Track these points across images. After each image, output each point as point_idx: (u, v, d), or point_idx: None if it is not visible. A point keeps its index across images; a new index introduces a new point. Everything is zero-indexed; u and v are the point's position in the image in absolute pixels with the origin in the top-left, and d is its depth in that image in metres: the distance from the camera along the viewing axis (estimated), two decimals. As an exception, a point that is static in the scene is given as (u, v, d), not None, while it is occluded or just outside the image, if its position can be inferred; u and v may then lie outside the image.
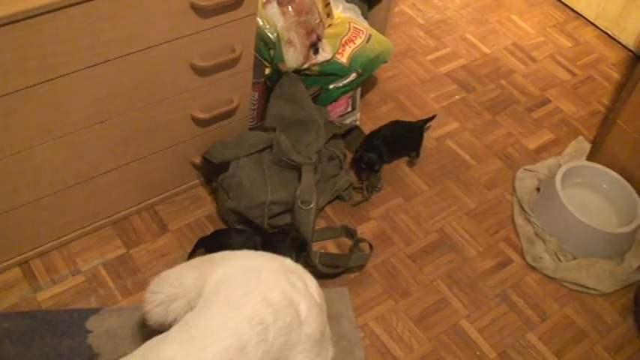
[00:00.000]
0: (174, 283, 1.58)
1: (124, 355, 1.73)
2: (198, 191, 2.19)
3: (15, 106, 1.58)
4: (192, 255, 1.98)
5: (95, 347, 1.78)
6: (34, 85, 1.57)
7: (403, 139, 2.39)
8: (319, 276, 1.97)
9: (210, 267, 1.59)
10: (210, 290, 1.52)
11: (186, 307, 1.57)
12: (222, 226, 2.10)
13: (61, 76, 1.61)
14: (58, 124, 1.70)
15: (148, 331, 1.67)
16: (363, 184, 2.25)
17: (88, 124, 1.76)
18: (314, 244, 2.03)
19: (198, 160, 2.10)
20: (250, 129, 2.18)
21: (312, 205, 1.97)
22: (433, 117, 2.53)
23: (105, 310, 1.86)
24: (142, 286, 1.92)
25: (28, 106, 1.61)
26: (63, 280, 1.92)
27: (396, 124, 2.42)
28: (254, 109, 2.20)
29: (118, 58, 1.67)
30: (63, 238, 1.98)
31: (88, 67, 1.64)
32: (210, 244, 1.98)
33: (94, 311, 1.85)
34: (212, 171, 2.11)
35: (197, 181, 2.18)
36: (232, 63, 1.93)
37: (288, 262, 1.64)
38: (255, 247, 1.93)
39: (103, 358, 1.76)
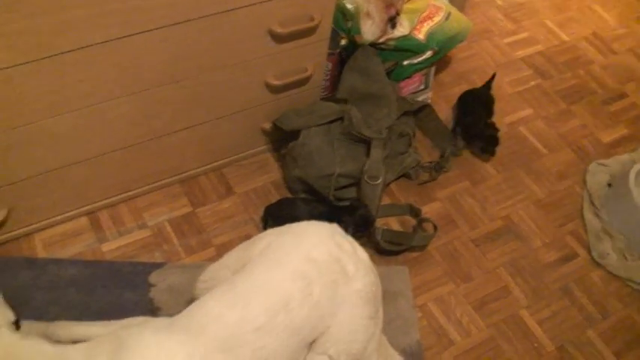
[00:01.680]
0: (222, 273, 1.58)
1: (181, 311, 1.78)
2: (266, 157, 2.19)
3: (93, 59, 1.60)
4: (265, 227, 2.00)
5: (157, 301, 1.82)
6: (111, 40, 1.59)
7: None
8: (380, 252, 1.98)
9: (252, 245, 1.58)
10: (256, 255, 1.52)
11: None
12: (287, 194, 2.10)
13: (139, 33, 1.61)
14: (133, 80, 1.71)
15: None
16: (432, 163, 2.22)
17: (163, 83, 1.77)
18: (377, 219, 2.01)
19: (267, 126, 2.10)
20: (322, 99, 2.16)
21: (379, 181, 1.96)
22: (494, 76, 2.51)
23: (168, 266, 1.89)
24: (206, 245, 1.95)
25: (105, 60, 1.62)
26: (129, 233, 1.95)
27: (469, 92, 2.45)
28: (326, 80, 2.19)
29: (197, 18, 1.67)
30: (131, 192, 2.01)
31: (167, 26, 1.64)
32: (276, 213, 2.00)
33: (158, 266, 1.89)
34: (281, 138, 2.11)
35: (265, 147, 2.19)
36: (310, 32, 1.91)
37: (335, 227, 1.61)
38: (319, 217, 1.93)
39: (164, 313, 1.79)
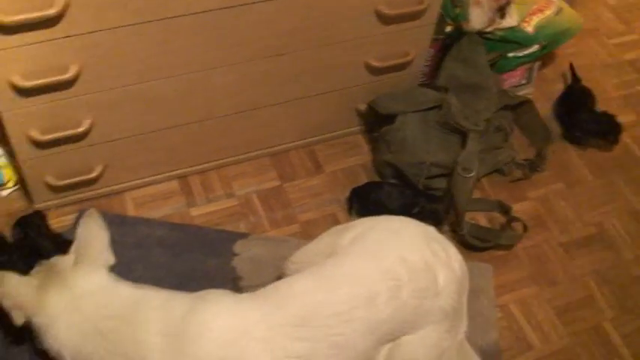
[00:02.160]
0: (314, 259, 1.55)
1: (264, 283, 1.80)
2: (357, 138, 2.18)
3: (203, 26, 1.62)
4: (350, 208, 1.99)
5: (239, 270, 1.84)
6: (223, 8, 1.60)
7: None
8: (465, 247, 1.94)
9: (345, 232, 1.55)
10: (348, 243, 1.50)
11: None
12: (375, 178, 2.08)
13: (252, 3, 1.62)
14: (239, 50, 1.73)
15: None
16: (527, 161, 2.16)
17: (267, 55, 1.78)
18: (465, 213, 1.97)
19: (363, 107, 2.08)
20: (419, 85, 2.13)
21: (472, 174, 1.91)
22: (572, 66, 2.46)
23: (253, 237, 1.90)
24: (291, 220, 1.96)
25: (215, 27, 1.64)
26: (217, 201, 1.98)
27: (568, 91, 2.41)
28: (427, 66, 2.15)
29: (298, -4, 1.68)
30: (222, 161, 2.03)
31: (269, 0, 1.64)
32: (362, 195, 1.98)
33: (243, 236, 1.90)
34: (375, 121, 2.09)
35: (357, 128, 2.17)
36: (417, 15, 1.88)
37: (431, 230, 1.58)
38: (405, 205, 1.92)
39: (245, 282, 1.81)
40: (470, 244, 1.94)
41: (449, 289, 1.45)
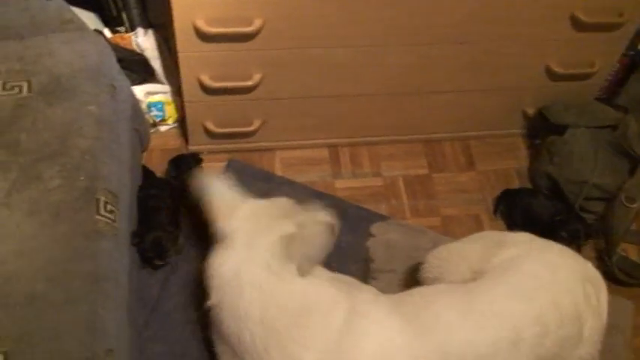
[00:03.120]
0: (459, 266, 1.49)
1: (394, 271, 1.77)
2: (517, 141, 2.08)
3: (393, 2, 1.58)
4: (496, 209, 1.92)
5: (372, 252, 1.81)
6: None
7: None
8: (609, 277, 1.83)
9: (498, 249, 1.47)
10: (500, 267, 1.42)
11: (467, 274, 1.49)
12: (528, 185, 1.99)
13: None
14: (422, 32, 1.68)
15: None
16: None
17: (448, 42, 1.72)
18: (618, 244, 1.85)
19: (531, 111, 1.98)
20: (595, 99, 2.01)
21: (635, 205, 1.78)
22: None
23: (392, 221, 1.87)
24: (433, 212, 1.91)
25: (404, 6, 1.59)
26: (363, 177, 1.95)
27: None
28: (608, 80, 2.01)
29: (499, -16, 1.61)
30: (375, 138, 2.00)
31: (465, -14, 1.59)
32: (513, 200, 1.91)
33: (382, 218, 1.87)
34: (541, 128, 1.99)
35: (519, 131, 2.08)
36: (613, 27, 1.77)
37: (589, 268, 1.48)
38: (554, 221, 1.83)
39: (375, 265, 1.78)
40: (616, 276, 1.82)
41: (592, 339, 1.39)
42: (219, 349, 1.41)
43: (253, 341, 1.29)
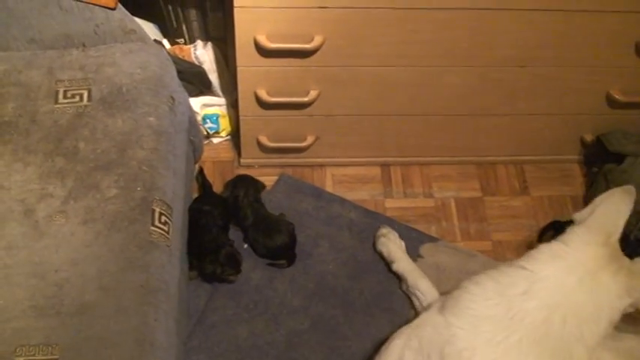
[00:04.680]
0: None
1: (441, 293, 1.73)
2: (573, 168, 2.04)
3: (452, 23, 1.57)
4: (542, 235, 1.87)
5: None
6: (475, 9, 1.53)
7: None
8: None
9: None
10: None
11: None
12: (582, 213, 1.94)
13: (509, 9, 1.54)
14: (481, 53, 1.66)
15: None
16: None
17: (507, 65, 1.70)
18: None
19: (589, 138, 1.94)
20: (656, 128, 1.96)
21: (696, 239, 1.74)
22: None
23: (442, 243, 1.84)
24: (484, 236, 1.88)
25: (463, 26, 1.58)
26: (414, 197, 1.93)
27: None
28: (670, 109, 1.96)
29: (569, 11, 1.56)
30: (428, 158, 1.98)
31: (537, 10, 1.55)
32: (561, 229, 1.85)
33: (432, 239, 1.85)
34: (599, 156, 1.93)
35: (576, 157, 2.03)
36: (678, 55, 1.72)
37: None
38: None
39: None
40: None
41: None
42: None
43: None
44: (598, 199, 1.34)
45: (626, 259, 1.31)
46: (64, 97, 1.49)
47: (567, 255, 1.30)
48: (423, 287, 1.67)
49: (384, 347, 1.41)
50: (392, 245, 1.76)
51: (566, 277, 1.28)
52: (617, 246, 1.31)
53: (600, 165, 1.92)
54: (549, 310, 1.26)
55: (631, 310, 1.29)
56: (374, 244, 1.80)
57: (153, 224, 1.33)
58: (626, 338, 1.44)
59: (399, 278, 1.74)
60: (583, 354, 1.26)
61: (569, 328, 1.25)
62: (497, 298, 1.28)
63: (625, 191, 1.35)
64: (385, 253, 1.77)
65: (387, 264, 1.77)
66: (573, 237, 1.32)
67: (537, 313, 1.26)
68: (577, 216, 1.36)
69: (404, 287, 1.72)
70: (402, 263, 1.74)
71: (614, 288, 1.26)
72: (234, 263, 1.67)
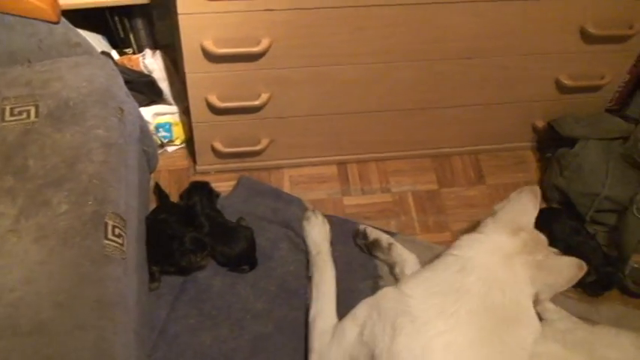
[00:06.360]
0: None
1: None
2: (526, 154, 2.07)
3: (400, 19, 1.57)
4: None
5: (380, 269, 1.79)
6: (425, 4, 1.55)
7: None
8: (622, 290, 1.82)
9: None
10: None
11: None
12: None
13: (449, 2, 1.56)
14: (432, 47, 1.67)
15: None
16: None
17: (455, 57, 1.72)
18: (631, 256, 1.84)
19: (541, 124, 1.97)
20: (606, 110, 1.99)
21: (647, 216, 1.78)
22: None
23: (400, 237, 1.84)
24: (442, 227, 1.90)
25: (411, 21, 1.59)
26: (372, 194, 1.94)
27: None
28: (618, 92, 2.00)
29: (504, 0, 1.59)
30: (383, 154, 1.99)
31: (470, 2, 1.57)
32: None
33: (391, 235, 1.84)
34: (551, 141, 1.98)
35: (529, 144, 2.07)
36: (623, 39, 1.76)
37: None
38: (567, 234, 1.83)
39: (384, 282, 1.75)
40: (628, 288, 1.80)
41: None
42: None
43: None
44: (512, 194, 1.53)
45: (542, 254, 1.45)
46: (11, 114, 1.47)
47: (485, 239, 1.46)
48: (324, 289, 1.67)
49: (346, 318, 1.50)
50: (314, 233, 1.77)
51: (489, 257, 1.43)
52: (531, 241, 1.46)
53: (553, 150, 1.96)
54: (487, 282, 1.38)
55: (534, 298, 1.42)
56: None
57: (106, 237, 1.32)
58: (578, 329, 1.55)
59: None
60: (532, 317, 1.41)
61: (509, 297, 1.38)
62: (440, 278, 1.42)
63: (532, 191, 1.54)
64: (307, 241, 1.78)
65: (346, 262, 1.77)
66: (488, 226, 1.49)
67: (479, 285, 1.38)
68: (496, 207, 1.53)
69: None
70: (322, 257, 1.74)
71: (522, 275, 1.40)
72: (202, 245, 1.67)
